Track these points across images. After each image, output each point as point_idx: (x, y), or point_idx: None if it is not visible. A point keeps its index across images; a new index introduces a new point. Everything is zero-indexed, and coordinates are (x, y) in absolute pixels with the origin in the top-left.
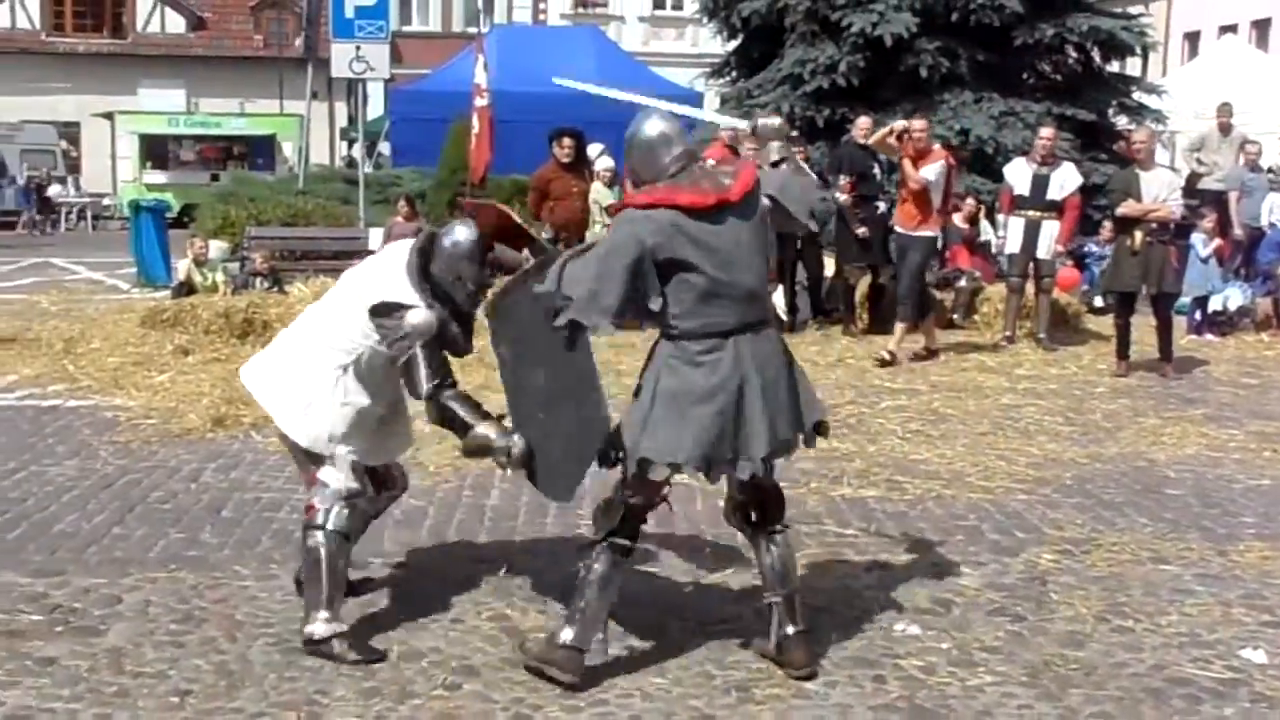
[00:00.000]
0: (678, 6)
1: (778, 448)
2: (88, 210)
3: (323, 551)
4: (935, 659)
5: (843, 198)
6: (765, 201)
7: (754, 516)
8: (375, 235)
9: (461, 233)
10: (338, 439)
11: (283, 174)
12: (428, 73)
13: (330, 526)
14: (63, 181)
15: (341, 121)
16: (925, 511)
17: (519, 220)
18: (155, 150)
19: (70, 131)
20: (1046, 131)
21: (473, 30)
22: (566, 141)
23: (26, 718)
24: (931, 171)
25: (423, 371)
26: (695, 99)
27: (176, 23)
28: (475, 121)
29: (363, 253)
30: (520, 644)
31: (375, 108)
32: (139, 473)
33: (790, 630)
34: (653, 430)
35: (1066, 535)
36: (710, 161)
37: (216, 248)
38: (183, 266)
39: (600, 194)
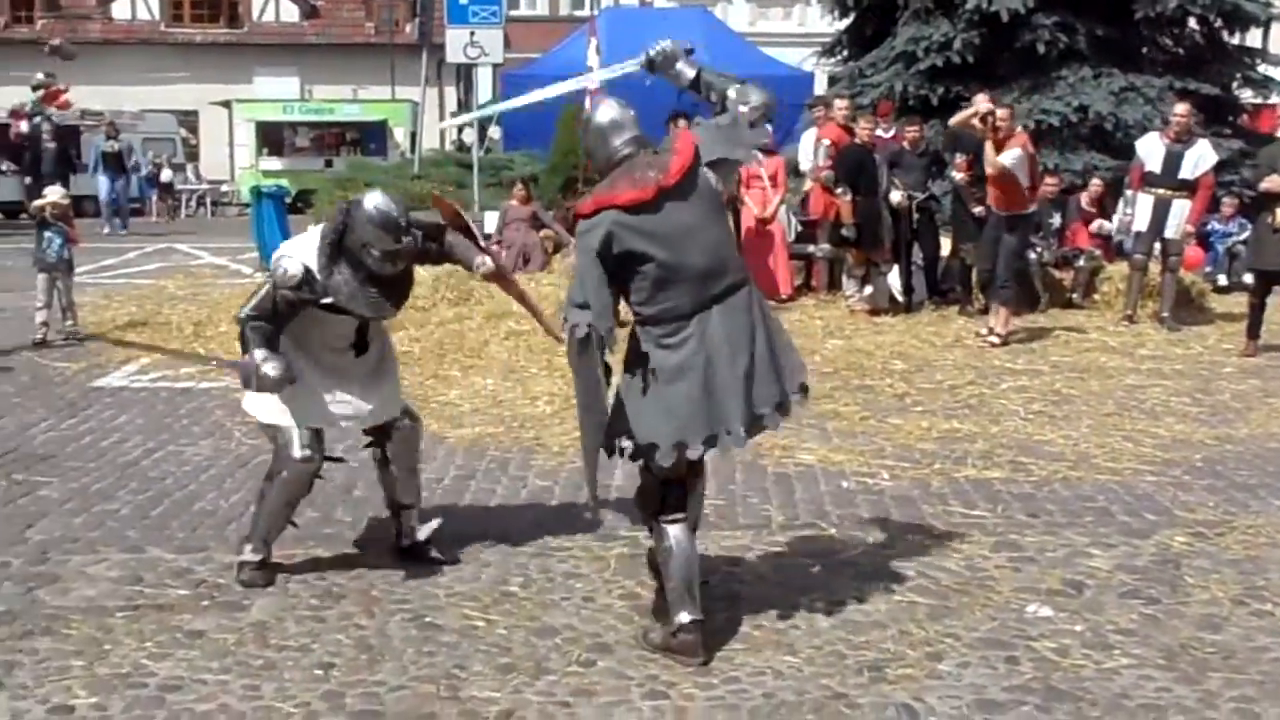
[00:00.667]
0: None
1: (754, 423)
2: (207, 197)
3: (270, 495)
4: (1069, 641)
5: (959, 177)
6: (707, 173)
7: (669, 499)
8: (490, 218)
9: (371, 202)
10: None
11: (394, 159)
12: (537, 56)
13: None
14: (181, 169)
15: (451, 106)
16: (1052, 493)
17: (469, 222)
18: (271, 137)
19: (189, 120)
20: (1181, 108)
21: (580, 14)
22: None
23: (179, 688)
24: (1009, 158)
25: (252, 300)
26: (806, 80)
27: (290, 12)
28: (588, 105)
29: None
30: (643, 635)
31: (484, 92)
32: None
33: (685, 618)
34: (635, 417)
35: (1199, 518)
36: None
37: None
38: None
39: None
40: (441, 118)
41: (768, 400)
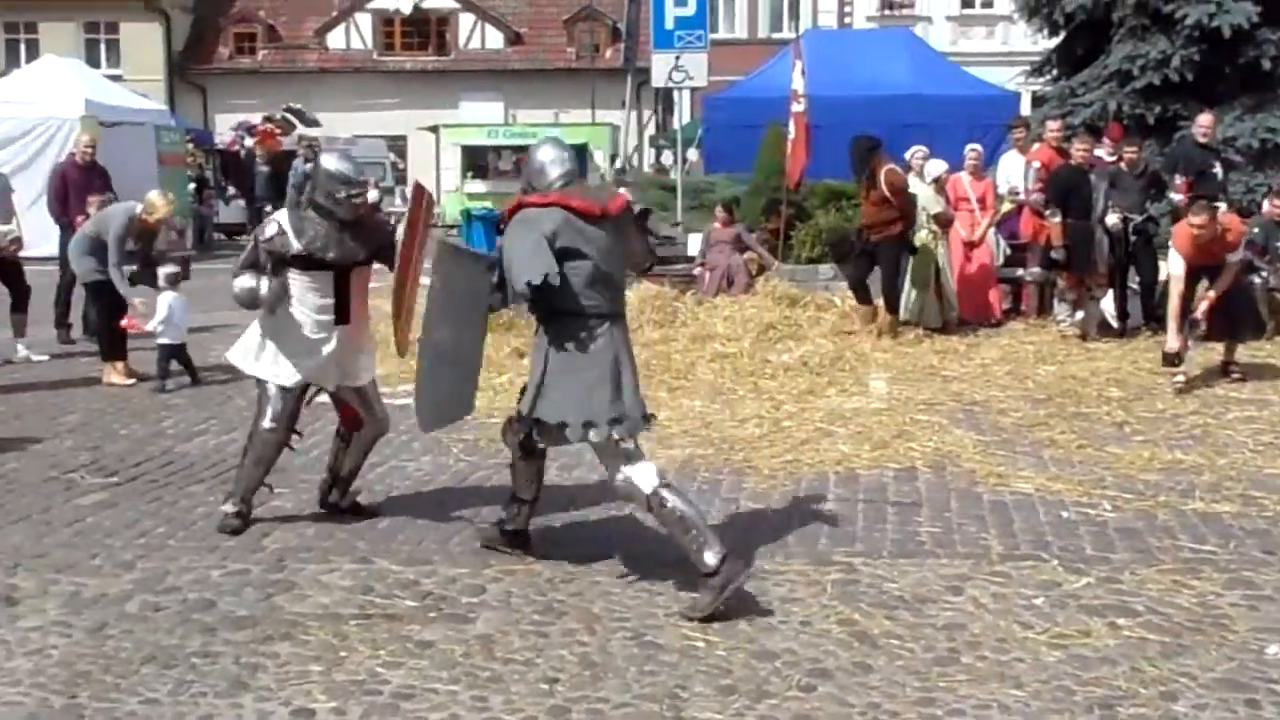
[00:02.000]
0: (988, 4)
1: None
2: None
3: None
4: None
5: (1178, 198)
6: (629, 223)
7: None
8: (693, 240)
9: (329, 163)
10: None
11: (594, 181)
12: (735, 79)
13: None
14: (390, 192)
15: (650, 130)
16: None
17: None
18: (476, 160)
19: (398, 145)
20: None
21: (779, 36)
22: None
23: (411, 696)
24: None
25: (241, 256)
26: (1010, 100)
27: (495, 39)
28: (791, 127)
29: (681, 258)
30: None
31: (684, 114)
32: (488, 469)
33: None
34: (545, 395)
35: None
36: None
37: None
38: None
39: (927, 199)
40: (640, 141)
41: (636, 410)
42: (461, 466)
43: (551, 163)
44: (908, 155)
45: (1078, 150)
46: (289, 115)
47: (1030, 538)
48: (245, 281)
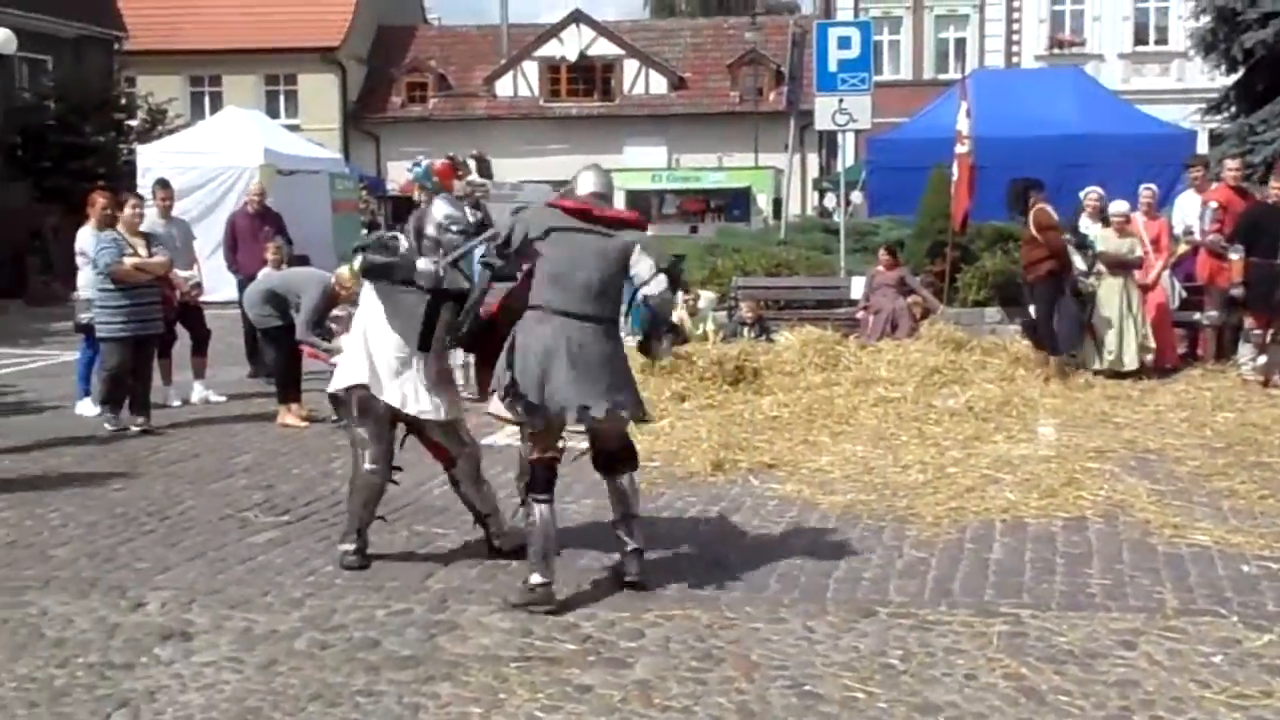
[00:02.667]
0: (1162, 41)
1: (584, 409)
2: None
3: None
4: None
5: None
6: (629, 243)
7: (602, 462)
8: (856, 284)
9: (442, 205)
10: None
11: (757, 225)
12: (899, 121)
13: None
14: None
15: (813, 172)
16: None
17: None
18: (639, 204)
19: (563, 189)
20: None
21: (944, 77)
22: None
23: None
24: None
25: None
26: (1186, 138)
27: (659, 84)
28: (955, 169)
29: (844, 301)
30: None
31: (848, 157)
32: (647, 513)
33: (630, 546)
34: (499, 369)
35: None
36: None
37: (706, 298)
38: (676, 315)
39: (1104, 241)
40: (804, 184)
41: (591, 400)
42: None
43: (582, 180)
44: (1081, 196)
45: (1273, 189)
46: (471, 160)
47: (1207, 591)
48: (426, 264)
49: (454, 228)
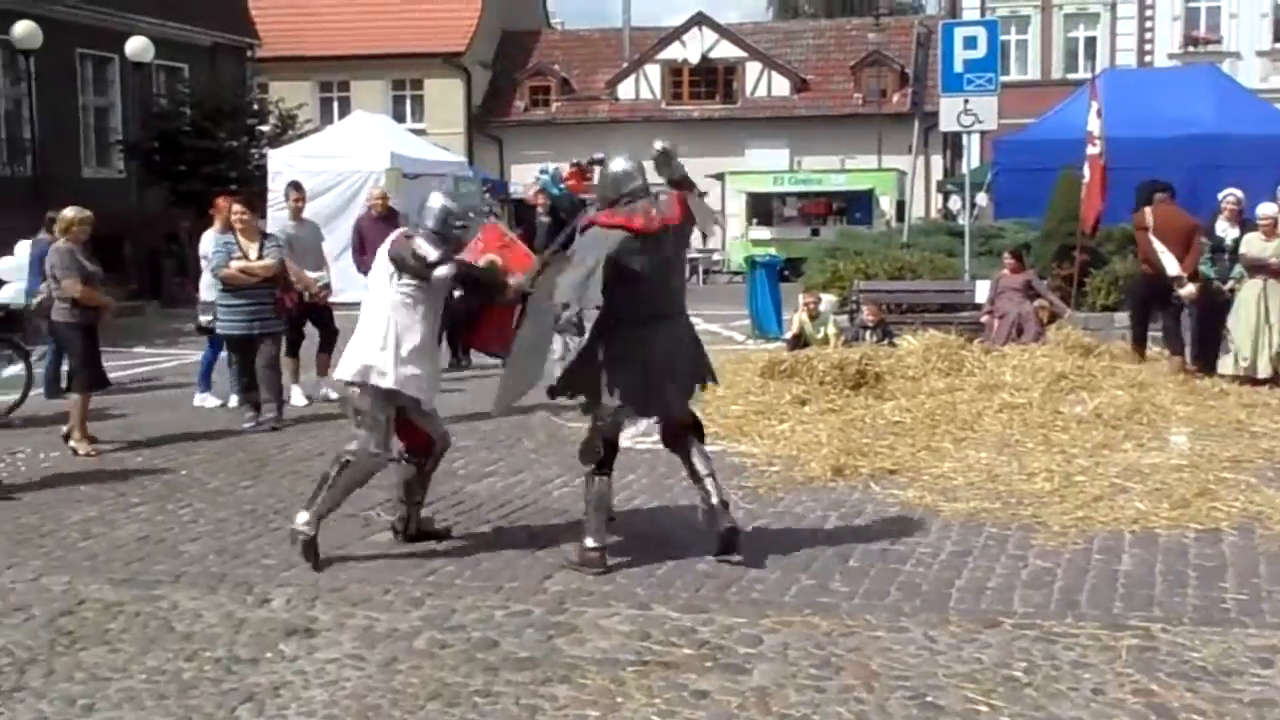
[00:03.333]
0: None
1: (683, 404)
2: (699, 265)
3: (336, 479)
4: None
5: None
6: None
7: (672, 435)
8: (981, 288)
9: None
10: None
11: (880, 228)
12: (1026, 122)
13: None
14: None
15: (937, 174)
16: None
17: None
18: (760, 207)
19: None
20: None
21: (1073, 77)
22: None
23: None
24: None
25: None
26: None
27: (781, 86)
28: (1086, 170)
29: (968, 305)
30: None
31: (973, 159)
32: (768, 518)
33: (714, 499)
34: (600, 383)
35: None
36: (662, 196)
37: (827, 301)
38: (795, 319)
39: (1248, 244)
40: (928, 186)
41: (687, 390)
42: (740, 514)
43: (625, 176)
44: (1220, 198)
45: None
46: (595, 164)
47: None
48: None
49: (457, 224)
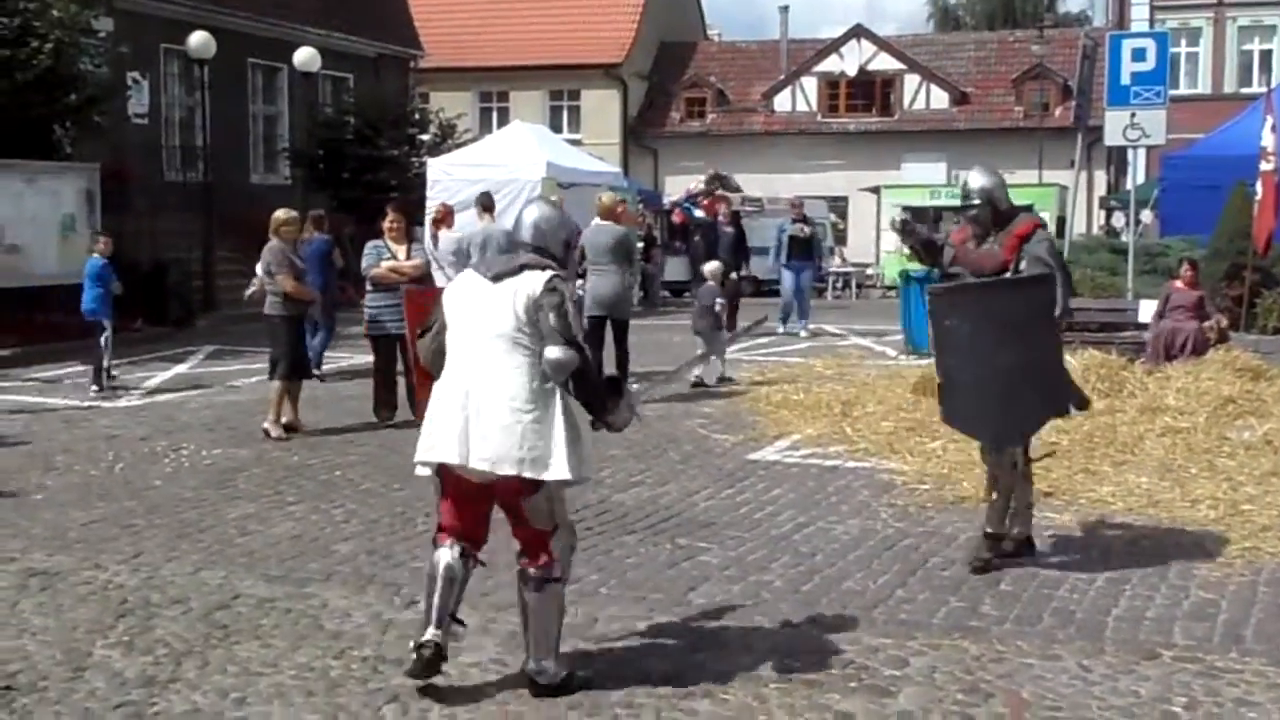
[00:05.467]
0: None
1: None
2: (853, 279)
3: (559, 602)
4: None
5: None
6: None
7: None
8: (1146, 307)
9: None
10: (584, 460)
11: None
12: (1195, 137)
13: (566, 578)
14: (831, 252)
15: (1100, 189)
16: None
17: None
18: (918, 220)
19: (839, 205)
20: None
21: (1246, 91)
22: None
23: None
24: None
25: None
26: None
27: (940, 99)
28: (1259, 187)
29: (1131, 324)
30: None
31: (1139, 174)
32: (917, 537)
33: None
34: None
35: None
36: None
37: None
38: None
39: None
40: (1090, 202)
41: None
42: (890, 532)
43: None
44: None
45: None
46: (716, 180)
47: None
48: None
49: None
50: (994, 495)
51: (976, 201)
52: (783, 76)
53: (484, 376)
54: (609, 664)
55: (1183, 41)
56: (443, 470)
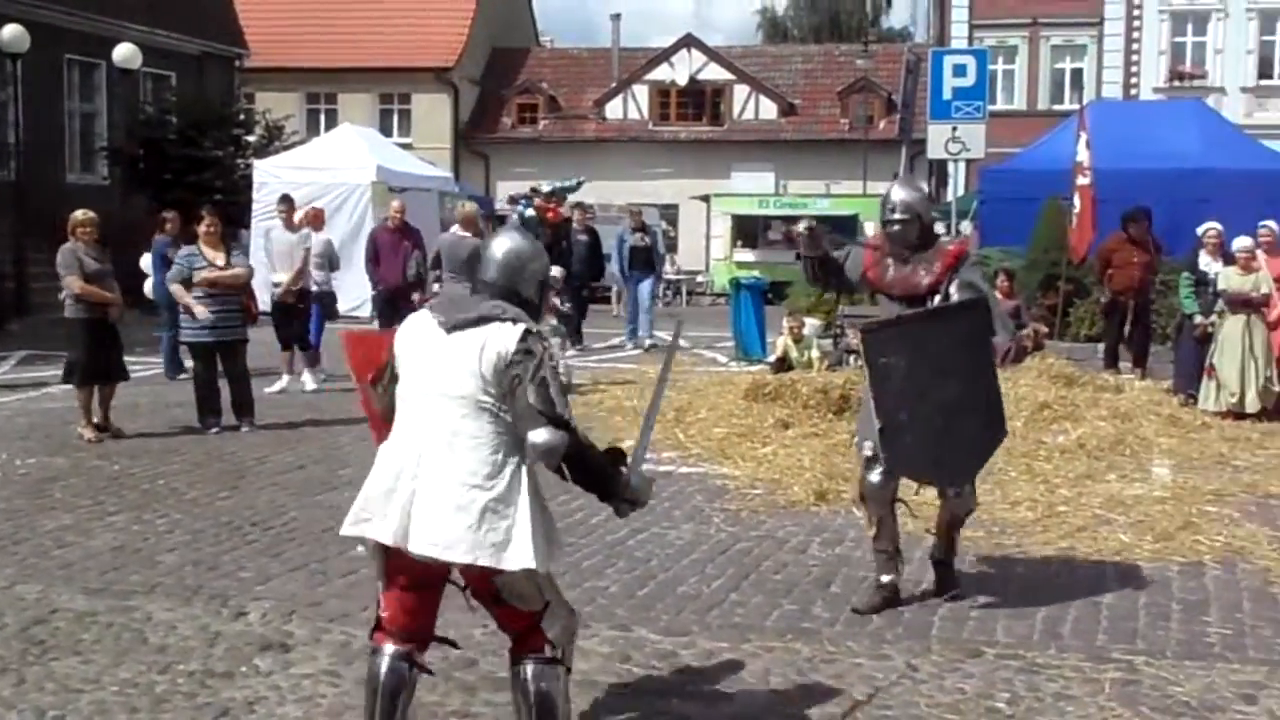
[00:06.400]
0: None
1: None
2: (683, 286)
3: (554, 689)
4: None
5: None
6: None
7: None
8: None
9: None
10: (553, 543)
11: None
12: (1011, 151)
13: (570, 665)
14: (661, 260)
15: None
16: None
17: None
18: (745, 230)
19: (670, 213)
20: None
21: (1059, 108)
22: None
23: None
24: None
25: (558, 401)
26: None
27: (769, 109)
28: (1076, 200)
29: None
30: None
31: (957, 187)
32: (750, 541)
33: None
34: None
35: None
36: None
37: (811, 325)
38: (780, 342)
39: (1226, 279)
40: None
41: None
42: (723, 537)
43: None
44: (1199, 232)
45: None
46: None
47: None
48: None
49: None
50: (939, 529)
51: (899, 216)
52: (614, 84)
53: (437, 445)
54: (445, 672)
55: (1000, 59)
56: (386, 548)
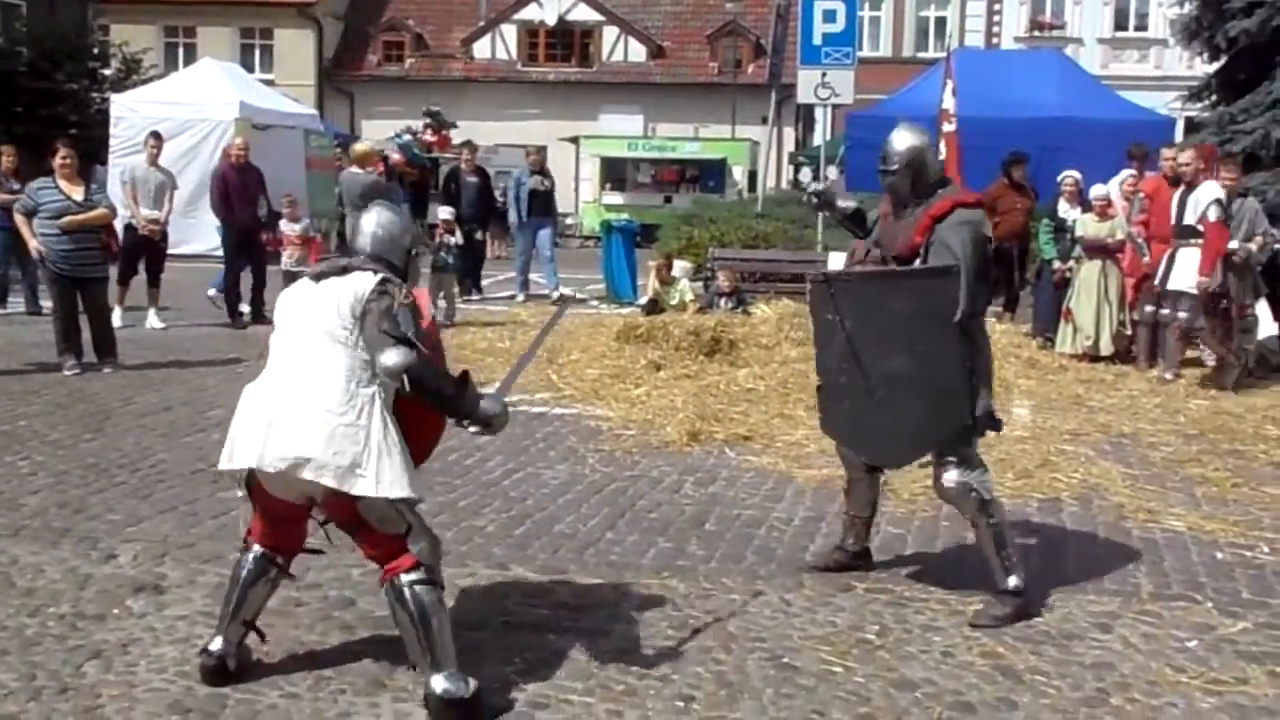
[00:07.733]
0: (1141, 27)
1: None
2: None
3: (433, 601)
4: None
5: None
6: None
7: None
8: (835, 259)
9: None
10: (408, 470)
11: (732, 197)
12: (878, 97)
13: (441, 583)
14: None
15: (790, 146)
16: None
17: None
18: (614, 173)
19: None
20: None
21: (923, 55)
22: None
23: (546, 705)
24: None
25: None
26: (1164, 124)
27: (638, 52)
28: (943, 147)
29: None
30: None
31: (826, 131)
32: (624, 481)
33: None
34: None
35: None
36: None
37: (680, 268)
38: (650, 284)
39: (1083, 225)
40: (780, 158)
41: None
42: (597, 477)
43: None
44: (1059, 180)
45: (1224, 178)
46: (431, 118)
47: (1183, 577)
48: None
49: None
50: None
51: (888, 167)
52: (482, 23)
53: (295, 376)
54: (323, 611)
55: (866, 6)
56: (253, 486)
